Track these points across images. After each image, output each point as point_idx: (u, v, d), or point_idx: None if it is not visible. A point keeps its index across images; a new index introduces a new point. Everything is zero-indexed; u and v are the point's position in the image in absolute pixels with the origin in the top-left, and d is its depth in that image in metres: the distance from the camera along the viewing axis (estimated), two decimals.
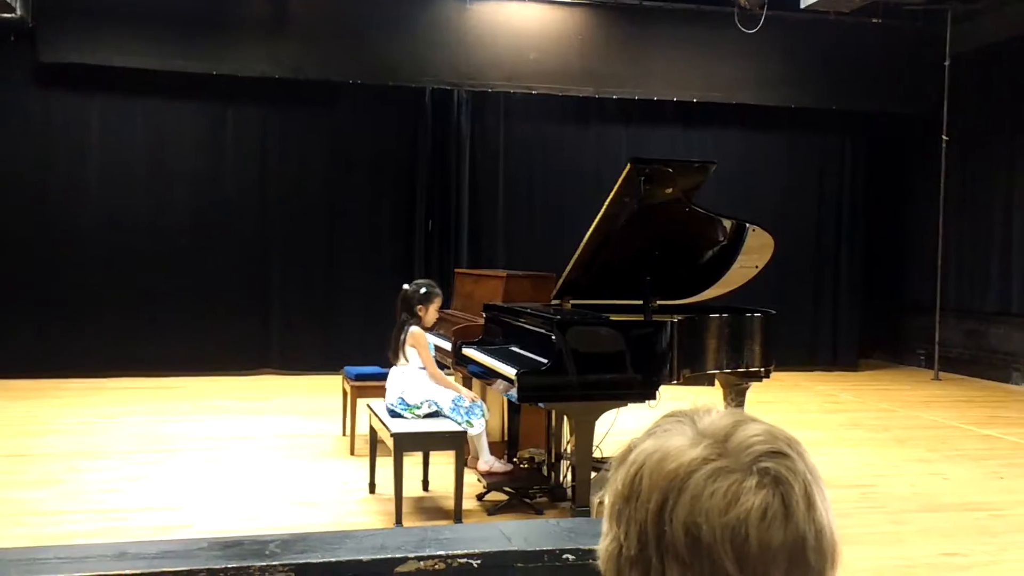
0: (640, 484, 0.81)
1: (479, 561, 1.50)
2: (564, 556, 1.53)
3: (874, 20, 9.52)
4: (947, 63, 9.50)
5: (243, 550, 1.50)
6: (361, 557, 1.48)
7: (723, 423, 0.83)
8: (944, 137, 9.52)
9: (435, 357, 5.07)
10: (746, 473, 0.79)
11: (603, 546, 0.85)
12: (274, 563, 1.45)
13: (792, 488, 0.79)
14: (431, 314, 5.05)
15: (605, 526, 0.85)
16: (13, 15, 7.83)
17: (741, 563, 0.76)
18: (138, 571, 1.41)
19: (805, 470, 0.81)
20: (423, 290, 5.04)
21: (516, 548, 1.53)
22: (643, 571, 0.80)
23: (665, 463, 0.81)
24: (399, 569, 1.47)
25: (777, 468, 0.80)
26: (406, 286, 5.16)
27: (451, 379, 5.04)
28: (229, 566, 1.44)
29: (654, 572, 0.79)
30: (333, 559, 1.47)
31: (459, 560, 1.49)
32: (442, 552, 1.50)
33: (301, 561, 1.46)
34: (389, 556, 1.49)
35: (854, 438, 6.82)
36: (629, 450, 0.85)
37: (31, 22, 8.18)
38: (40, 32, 8.29)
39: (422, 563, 1.48)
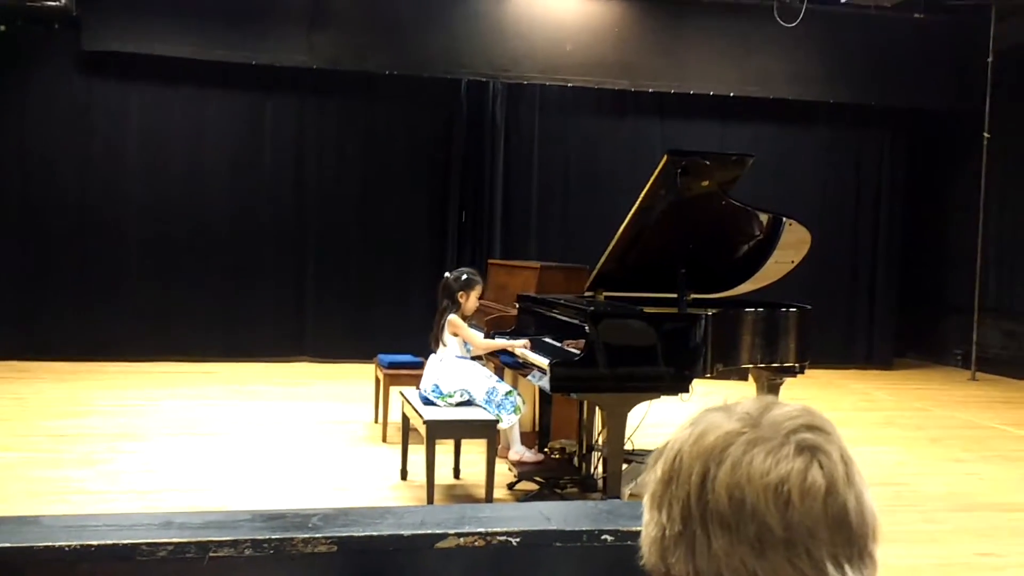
0: (680, 464, 0.83)
1: (518, 539, 1.51)
2: (603, 537, 1.52)
3: (916, 15, 9.39)
4: (990, 59, 9.35)
5: (286, 522, 1.52)
6: (402, 532, 1.49)
7: (756, 405, 0.86)
8: (986, 134, 9.36)
9: (468, 350, 5.06)
10: (782, 443, 0.81)
11: (645, 535, 0.86)
12: (316, 536, 1.46)
13: (830, 456, 0.81)
14: (472, 301, 5.06)
15: (646, 516, 0.86)
16: (58, 3, 7.96)
17: (787, 523, 0.78)
18: (184, 539, 1.43)
19: (840, 443, 0.83)
20: (464, 277, 5.06)
21: (555, 527, 1.53)
22: (688, 547, 0.81)
23: (703, 439, 0.83)
24: (439, 545, 1.48)
25: (814, 439, 0.82)
26: (447, 274, 5.18)
27: (497, 341, 4.97)
28: (273, 537, 1.45)
29: (699, 545, 0.80)
30: (374, 533, 1.48)
31: (498, 537, 1.50)
32: (481, 529, 1.50)
33: (343, 534, 1.47)
34: (430, 532, 1.49)
35: (888, 436, 6.75)
36: (666, 444, 0.88)
37: (75, 11, 8.31)
38: (84, 20, 8.40)
39: (462, 539, 1.49)
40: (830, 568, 0.78)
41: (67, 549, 1.39)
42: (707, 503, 0.80)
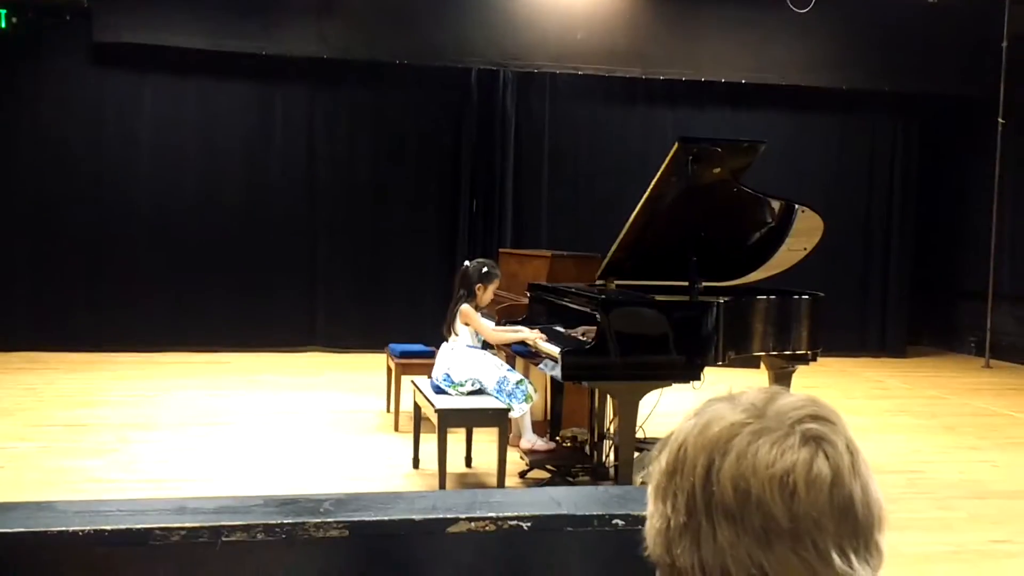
0: (684, 455, 0.83)
1: (529, 524, 1.51)
2: (614, 521, 1.52)
3: (930, 0, 9.30)
4: (1004, 44, 9.26)
5: (298, 507, 1.53)
6: (413, 517, 1.50)
7: (761, 395, 0.85)
8: (1000, 120, 9.29)
9: (479, 340, 5.05)
10: (788, 433, 0.80)
11: (649, 526, 0.85)
12: (328, 520, 1.47)
13: (835, 446, 0.80)
14: (488, 294, 5.07)
15: (650, 507, 0.85)
16: None
17: (792, 514, 0.77)
18: (197, 524, 1.44)
19: (846, 433, 0.82)
20: (484, 269, 5.06)
21: (566, 512, 1.53)
22: (693, 538, 0.80)
23: (707, 430, 0.83)
24: (450, 529, 1.49)
25: (819, 429, 0.81)
26: (468, 263, 5.17)
27: (508, 334, 4.91)
28: (285, 522, 1.46)
29: (704, 536, 0.79)
30: (386, 518, 1.49)
31: (509, 522, 1.50)
32: (492, 514, 1.51)
33: (355, 519, 1.48)
34: (441, 516, 1.50)
35: (902, 424, 6.73)
36: (670, 435, 0.87)
37: (87, 2, 8.34)
38: (95, 12, 8.43)
39: (473, 524, 1.49)
40: (836, 559, 0.77)
41: (81, 534, 1.40)
42: (712, 494, 0.79)
